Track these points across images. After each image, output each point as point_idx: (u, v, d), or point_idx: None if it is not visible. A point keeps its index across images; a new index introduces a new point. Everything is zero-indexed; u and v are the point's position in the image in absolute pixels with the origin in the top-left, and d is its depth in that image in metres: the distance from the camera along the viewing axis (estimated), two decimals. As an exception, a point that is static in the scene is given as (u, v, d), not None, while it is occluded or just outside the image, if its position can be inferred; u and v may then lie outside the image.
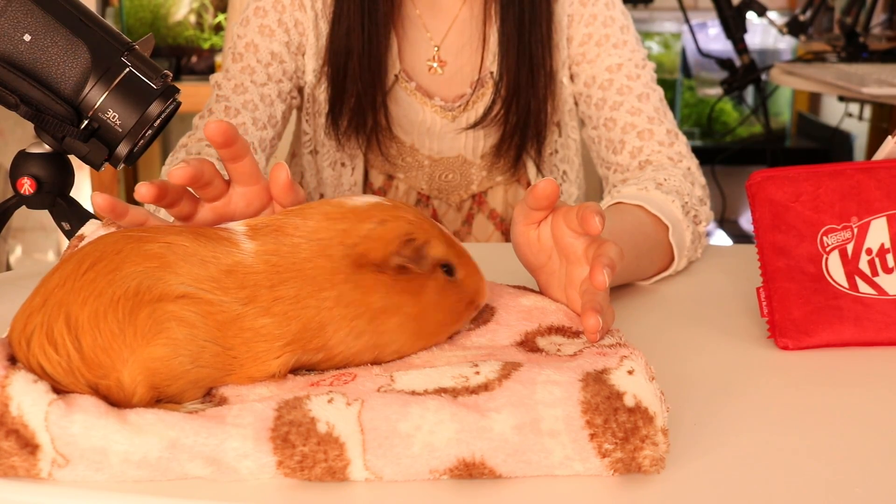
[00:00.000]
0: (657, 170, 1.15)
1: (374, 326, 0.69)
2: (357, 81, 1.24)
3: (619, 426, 0.61)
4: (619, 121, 1.23)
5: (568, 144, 1.35)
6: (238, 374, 0.67)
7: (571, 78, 1.29)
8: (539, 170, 1.33)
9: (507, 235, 1.38)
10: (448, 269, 0.73)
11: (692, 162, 1.20)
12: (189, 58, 2.92)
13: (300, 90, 1.30)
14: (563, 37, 1.28)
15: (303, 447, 0.60)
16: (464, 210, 1.37)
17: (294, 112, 1.35)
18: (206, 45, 2.94)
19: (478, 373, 0.65)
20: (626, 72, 1.25)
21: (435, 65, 1.29)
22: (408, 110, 1.29)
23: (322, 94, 1.28)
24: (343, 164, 1.32)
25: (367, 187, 1.35)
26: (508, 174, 1.35)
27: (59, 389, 0.63)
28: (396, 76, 1.28)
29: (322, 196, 1.35)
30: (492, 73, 1.28)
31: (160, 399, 0.65)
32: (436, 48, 1.29)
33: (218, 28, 2.94)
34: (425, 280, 0.71)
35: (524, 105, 1.26)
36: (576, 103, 1.31)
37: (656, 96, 1.25)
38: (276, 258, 0.68)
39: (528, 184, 1.36)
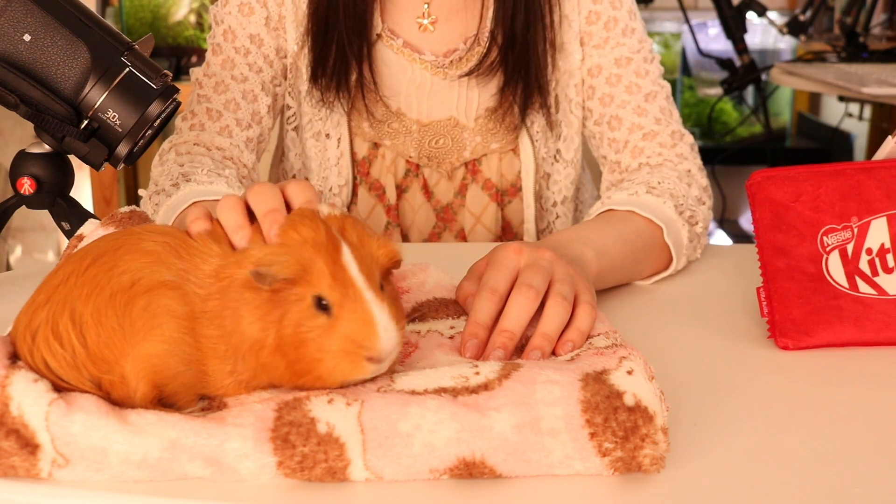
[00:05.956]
0: (652, 172, 1.14)
1: (253, 353, 0.65)
2: (340, 31, 1.18)
3: (618, 425, 0.61)
4: (624, 120, 1.21)
5: (570, 121, 1.27)
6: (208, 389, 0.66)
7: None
8: (532, 142, 1.27)
9: (502, 208, 1.32)
10: (324, 306, 0.64)
11: (693, 164, 1.18)
12: (189, 58, 2.92)
13: (284, 72, 1.26)
14: (574, 7, 1.22)
15: (303, 447, 0.60)
16: (456, 180, 1.30)
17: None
18: (205, 46, 2.94)
19: (478, 373, 0.65)
20: (634, 67, 1.21)
21: (426, 21, 1.23)
22: (394, 69, 1.23)
23: (304, 61, 1.23)
24: (327, 136, 1.26)
25: (351, 158, 1.28)
26: (505, 140, 1.27)
27: (59, 388, 0.63)
28: (379, 35, 1.22)
29: (307, 179, 1.29)
30: (492, 32, 1.21)
31: (160, 398, 0.65)
32: (425, 5, 1.23)
33: (218, 28, 2.94)
34: (289, 307, 0.64)
35: (522, 52, 1.20)
36: None
37: (663, 94, 1.22)
38: (222, 267, 0.66)
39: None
